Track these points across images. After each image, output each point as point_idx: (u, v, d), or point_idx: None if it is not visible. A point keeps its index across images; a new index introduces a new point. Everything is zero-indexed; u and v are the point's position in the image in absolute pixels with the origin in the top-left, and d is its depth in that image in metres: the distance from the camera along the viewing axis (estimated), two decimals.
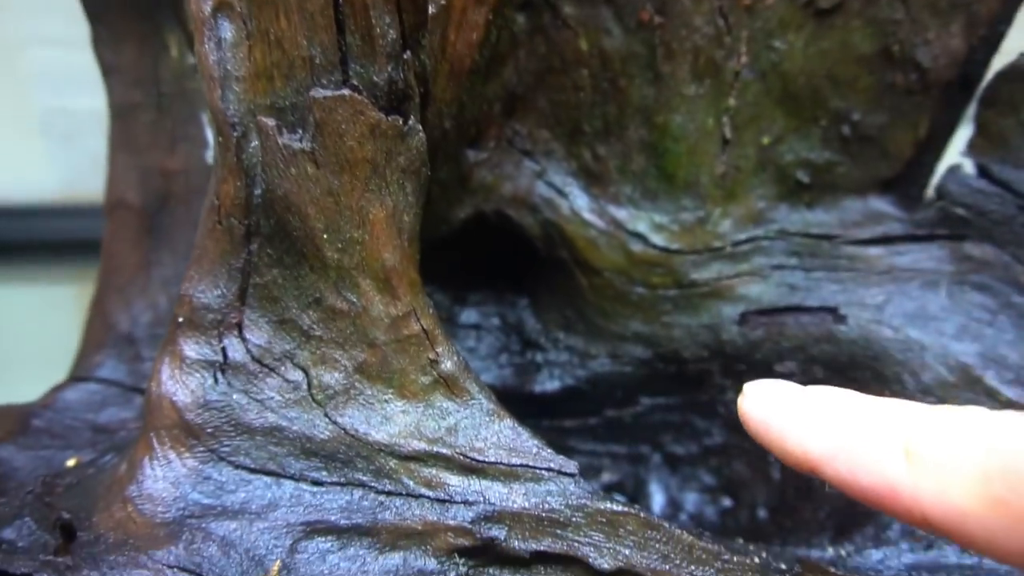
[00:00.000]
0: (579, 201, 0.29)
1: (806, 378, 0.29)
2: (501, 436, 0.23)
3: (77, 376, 0.28)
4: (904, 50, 0.25)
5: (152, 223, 0.29)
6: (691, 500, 0.33)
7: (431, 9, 0.22)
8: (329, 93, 0.21)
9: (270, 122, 0.21)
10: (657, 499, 0.33)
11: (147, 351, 0.28)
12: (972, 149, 0.26)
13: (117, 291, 0.29)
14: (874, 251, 0.28)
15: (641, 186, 0.29)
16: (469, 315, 0.33)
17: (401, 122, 0.21)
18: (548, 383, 0.32)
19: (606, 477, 0.34)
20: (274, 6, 0.21)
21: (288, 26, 0.21)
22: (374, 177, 0.22)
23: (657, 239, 0.29)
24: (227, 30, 0.21)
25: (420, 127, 0.22)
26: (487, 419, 0.23)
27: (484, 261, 0.33)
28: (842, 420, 0.17)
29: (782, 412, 0.18)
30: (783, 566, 0.22)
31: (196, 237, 0.23)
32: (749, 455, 0.31)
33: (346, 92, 0.21)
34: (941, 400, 0.26)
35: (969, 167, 0.26)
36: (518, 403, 0.32)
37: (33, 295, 0.46)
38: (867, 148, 0.27)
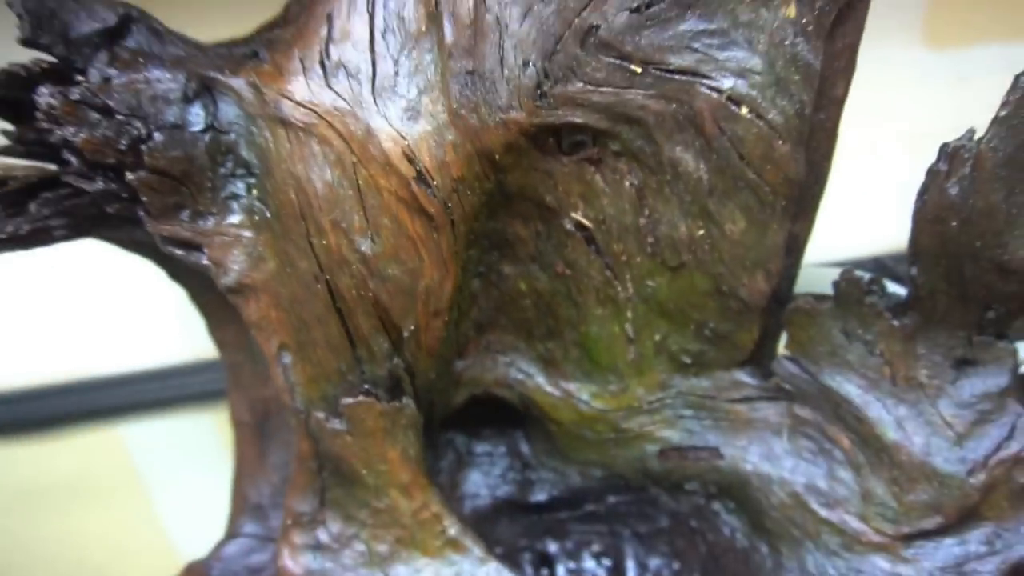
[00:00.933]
0: (540, 379, 0.42)
1: (705, 491, 0.41)
2: (489, 572, 0.37)
3: (231, 534, 0.44)
4: (730, 289, 0.37)
5: (261, 430, 0.44)
6: (653, 563, 0.46)
7: (405, 334, 0.35)
8: (351, 400, 0.35)
9: (320, 415, 0.35)
10: (631, 563, 0.47)
11: (272, 512, 0.44)
12: (788, 347, 0.37)
13: (248, 476, 0.44)
14: (739, 407, 0.40)
15: (579, 369, 0.42)
16: (483, 447, 0.47)
17: (400, 402, 0.35)
18: (540, 494, 0.46)
19: (595, 547, 0.48)
20: (313, 344, 0.35)
21: (323, 354, 0.35)
22: (387, 436, 0.36)
23: (595, 403, 0.42)
24: (286, 358, 0.36)
25: (411, 401, 0.36)
26: (480, 564, 0.37)
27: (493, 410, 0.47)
28: None
29: None
30: None
31: (290, 472, 0.38)
32: (684, 536, 0.44)
33: (362, 398, 0.35)
34: (781, 514, 0.38)
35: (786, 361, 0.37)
36: (522, 509, 0.46)
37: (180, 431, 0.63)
38: (723, 342, 0.39)
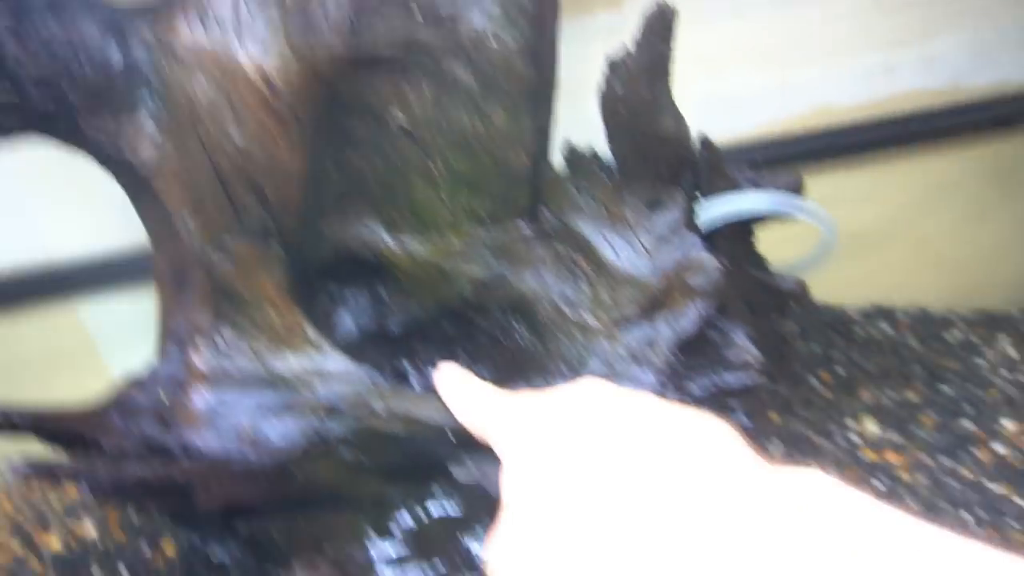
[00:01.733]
0: (386, 238, 0.58)
1: (503, 309, 0.57)
2: (336, 362, 0.53)
3: (160, 358, 0.59)
4: (504, 162, 0.52)
5: (178, 282, 0.59)
6: (478, 371, 0.62)
7: (269, 195, 0.50)
8: (230, 240, 0.50)
9: (210, 251, 0.50)
10: None
11: (186, 341, 0.59)
12: (546, 203, 0.53)
13: (168, 311, 0.59)
14: (521, 247, 0.55)
15: (412, 227, 0.57)
16: (351, 293, 0.62)
17: (266, 244, 0.50)
18: (394, 327, 0.61)
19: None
20: (205, 206, 0.50)
21: (212, 212, 0.50)
22: (261, 268, 0.51)
23: (424, 252, 0.57)
24: (187, 217, 0.50)
25: (276, 244, 0.51)
26: (331, 356, 0.53)
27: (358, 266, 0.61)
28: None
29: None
30: None
31: (195, 295, 0.53)
32: (496, 348, 0.60)
33: (239, 241, 0.50)
34: (547, 319, 0.54)
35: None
36: (382, 338, 0.62)
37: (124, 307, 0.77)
38: (508, 202, 0.54)
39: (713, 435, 0.34)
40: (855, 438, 0.77)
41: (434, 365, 0.64)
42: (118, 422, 0.53)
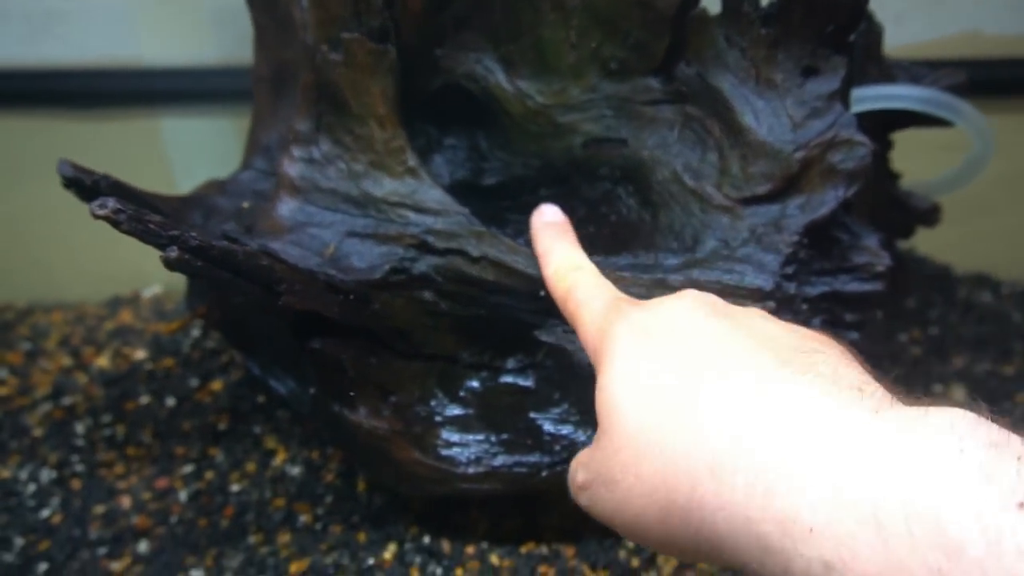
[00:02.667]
0: (500, 77, 0.54)
1: (612, 175, 0.53)
2: (434, 195, 0.49)
3: (244, 167, 0.56)
4: (649, 0, 0.47)
5: (276, 88, 0.55)
6: None
7: None
8: (348, 35, 0.46)
9: (324, 48, 0.47)
10: None
11: (277, 154, 0.56)
12: (687, 55, 0.48)
13: (260, 123, 0.56)
14: (647, 108, 0.51)
15: (531, 70, 0.53)
16: (450, 139, 0.59)
17: (384, 46, 0.47)
18: (490, 180, 0.58)
19: (528, 235, 0.60)
20: None
21: (335, 2, 0.46)
22: (372, 72, 0.47)
23: (540, 99, 0.53)
24: (305, 1, 0.47)
25: (393, 48, 0.47)
26: (430, 188, 0.49)
27: (461, 111, 0.58)
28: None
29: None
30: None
31: (297, 99, 0.49)
32: (596, 222, 0.56)
33: (356, 34, 0.46)
34: (663, 188, 0.50)
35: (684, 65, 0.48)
36: (475, 190, 0.58)
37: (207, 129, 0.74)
38: (642, 51, 0.50)
39: (832, 356, 0.30)
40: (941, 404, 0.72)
41: (525, 236, 0.60)
42: (198, 219, 0.51)
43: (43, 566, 0.58)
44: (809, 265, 0.49)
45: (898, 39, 0.73)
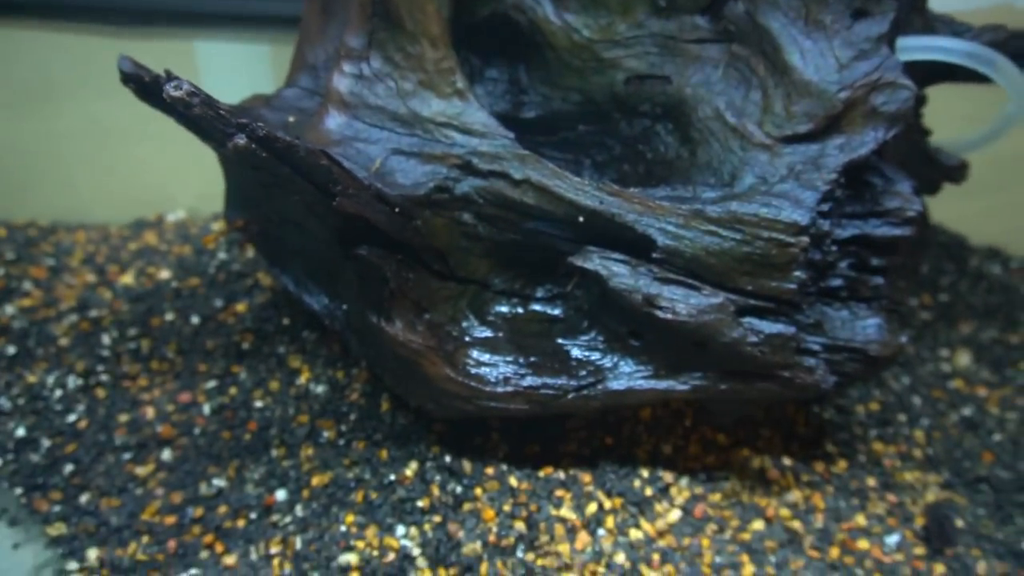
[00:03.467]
0: (548, 9, 0.54)
1: (653, 112, 0.54)
2: (480, 117, 0.50)
3: (289, 84, 0.57)
4: None
5: (326, 7, 0.56)
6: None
7: None
8: None
9: None
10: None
11: (323, 73, 0.56)
12: None
13: (308, 42, 0.57)
14: (693, 46, 0.52)
15: (579, 3, 0.54)
16: (491, 72, 0.60)
17: None
18: (529, 112, 0.59)
19: None
20: None
21: None
22: None
23: (586, 33, 0.54)
24: None
25: None
26: (477, 110, 0.50)
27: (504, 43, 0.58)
28: None
29: None
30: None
31: (350, 16, 0.50)
32: (630, 160, 0.57)
33: None
34: (703, 125, 0.51)
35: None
36: (513, 123, 0.59)
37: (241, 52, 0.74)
38: None
39: None
40: (946, 367, 0.74)
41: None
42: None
43: (69, 467, 0.59)
44: (841, 206, 0.51)
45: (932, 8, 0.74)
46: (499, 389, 0.51)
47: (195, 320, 0.69)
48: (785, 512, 0.56)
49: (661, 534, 0.53)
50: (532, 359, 0.53)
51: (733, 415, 0.56)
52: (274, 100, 0.56)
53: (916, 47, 0.50)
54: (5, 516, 0.56)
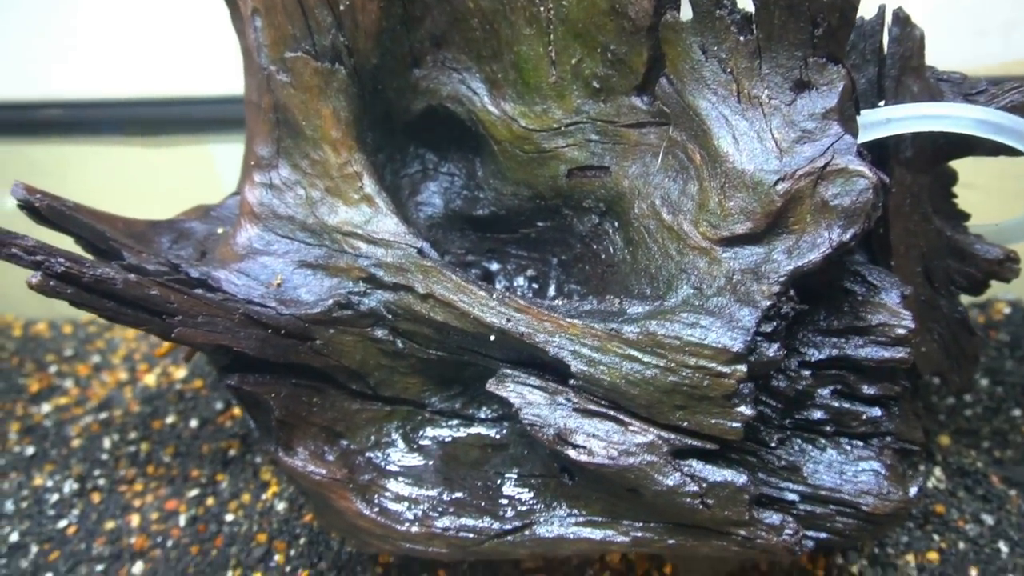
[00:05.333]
0: (485, 99, 0.49)
1: (597, 208, 0.47)
2: (388, 225, 0.45)
3: (236, 191, 0.55)
4: (622, 8, 0.41)
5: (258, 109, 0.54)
6: (568, 288, 0.52)
7: (342, 8, 0.43)
8: (291, 54, 0.43)
9: (273, 68, 0.44)
10: (553, 286, 0.53)
11: None
12: (666, 68, 0.41)
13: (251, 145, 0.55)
14: (632, 131, 0.44)
15: (514, 90, 0.48)
16: (449, 166, 0.55)
17: (332, 66, 0.44)
18: (484, 210, 0.53)
19: (529, 272, 0.54)
20: (275, 10, 0.44)
21: (282, 20, 0.44)
22: (322, 94, 0.44)
23: (524, 123, 0.48)
24: (258, 21, 0.45)
25: (343, 68, 0.44)
26: (386, 216, 0.46)
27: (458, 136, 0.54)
28: None
29: None
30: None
31: (258, 124, 0.47)
32: (590, 261, 0.50)
33: (300, 54, 0.43)
34: (640, 223, 0.43)
35: (664, 82, 0.41)
36: (471, 222, 0.53)
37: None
38: (622, 66, 0.43)
39: None
40: None
41: (524, 273, 0.55)
42: (166, 243, 0.50)
43: None
44: (814, 323, 0.40)
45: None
46: (413, 529, 0.45)
47: (194, 423, 0.69)
48: None
49: None
50: (457, 495, 0.46)
51: (711, 569, 0.46)
52: (215, 209, 0.54)
53: (906, 117, 0.39)
54: None
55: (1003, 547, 0.53)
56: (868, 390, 0.40)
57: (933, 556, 0.52)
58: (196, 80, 0.72)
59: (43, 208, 0.43)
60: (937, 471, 0.56)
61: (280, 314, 0.44)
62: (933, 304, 0.45)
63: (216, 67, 0.71)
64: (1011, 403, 0.63)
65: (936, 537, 0.53)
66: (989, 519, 0.55)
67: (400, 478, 0.47)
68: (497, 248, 0.54)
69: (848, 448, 0.41)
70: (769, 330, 0.37)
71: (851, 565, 0.50)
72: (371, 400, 0.48)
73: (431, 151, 0.54)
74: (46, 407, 0.74)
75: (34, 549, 0.62)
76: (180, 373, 0.75)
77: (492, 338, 0.43)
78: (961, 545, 0.53)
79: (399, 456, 0.48)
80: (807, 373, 0.40)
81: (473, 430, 0.49)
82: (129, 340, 0.83)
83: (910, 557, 0.51)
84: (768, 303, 0.37)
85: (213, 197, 0.77)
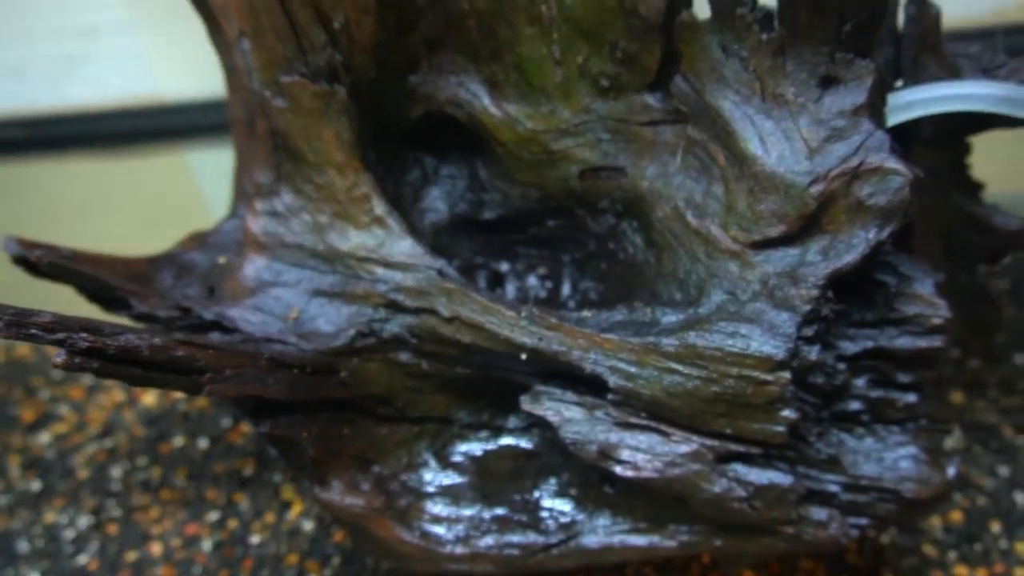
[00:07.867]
0: (485, 101, 0.47)
1: (614, 209, 0.46)
2: (404, 246, 0.44)
3: (230, 216, 0.53)
4: (631, 6, 0.39)
5: (252, 131, 0.52)
6: (583, 285, 0.51)
7: (336, 25, 0.41)
8: (287, 79, 0.41)
9: (268, 93, 0.42)
10: (567, 284, 0.52)
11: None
12: (681, 66, 0.40)
13: (243, 168, 0.52)
14: (646, 130, 0.43)
15: (517, 91, 0.46)
16: (449, 169, 0.53)
17: (330, 86, 0.41)
18: (489, 213, 0.52)
19: (541, 271, 0.54)
20: (264, 31, 0.41)
21: (273, 41, 0.42)
22: (322, 116, 0.42)
23: (530, 124, 0.46)
24: (245, 44, 0.42)
25: (342, 88, 0.42)
26: (400, 238, 0.44)
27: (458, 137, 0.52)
28: None
29: None
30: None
31: (256, 150, 0.45)
32: (606, 258, 0.49)
33: (296, 78, 0.41)
34: (664, 226, 0.42)
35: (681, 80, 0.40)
36: (476, 227, 0.52)
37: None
38: (633, 64, 0.42)
39: None
40: None
41: (536, 272, 0.54)
42: (168, 280, 0.48)
43: None
44: (848, 316, 0.40)
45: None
46: (457, 550, 0.45)
47: (203, 443, 0.68)
48: None
49: None
50: (496, 511, 0.46)
51: (751, 560, 0.47)
52: (211, 236, 0.52)
53: (930, 99, 0.39)
54: None
55: (1019, 498, 0.55)
56: (903, 378, 0.40)
57: (957, 516, 0.53)
58: (167, 86, 0.69)
59: (43, 265, 0.40)
60: (956, 432, 0.57)
61: (303, 350, 0.43)
62: (953, 278, 0.45)
63: (189, 70, 0.68)
64: (1013, 350, 0.64)
65: (959, 496, 0.54)
66: (1004, 471, 0.56)
67: (437, 498, 0.46)
68: (507, 248, 0.53)
69: (884, 435, 0.41)
70: (810, 334, 0.37)
71: (882, 533, 0.51)
72: (399, 422, 0.47)
73: (428, 154, 0.52)
74: (45, 437, 0.72)
75: None
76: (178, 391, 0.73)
77: (523, 356, 0.42)
78: (981, 501, 0.54)
79: (433, 476, 0.47)
80: (843, 367, 0.40)
81: (503, 441, 0.48)
82: None
83: (936, 520, 0.52)
84: (807, 307, 0.37)
85: (195, 210, 0.75)
